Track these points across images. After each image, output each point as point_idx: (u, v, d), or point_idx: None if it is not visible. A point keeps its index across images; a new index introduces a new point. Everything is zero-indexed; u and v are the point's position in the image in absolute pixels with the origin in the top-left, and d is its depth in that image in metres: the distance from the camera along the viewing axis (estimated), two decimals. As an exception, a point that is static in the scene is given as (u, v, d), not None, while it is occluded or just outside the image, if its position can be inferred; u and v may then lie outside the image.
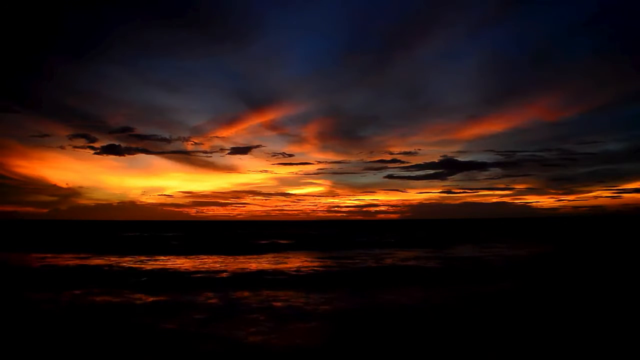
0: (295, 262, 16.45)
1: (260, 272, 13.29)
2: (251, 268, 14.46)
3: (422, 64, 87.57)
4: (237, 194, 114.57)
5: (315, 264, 15.84)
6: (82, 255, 18.56)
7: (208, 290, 10.10)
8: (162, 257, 18.53)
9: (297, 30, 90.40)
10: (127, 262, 16.60)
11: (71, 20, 75.45)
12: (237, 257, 18.98)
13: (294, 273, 13.12)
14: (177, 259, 18.05)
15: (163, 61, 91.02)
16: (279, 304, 8.51)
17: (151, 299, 9.19)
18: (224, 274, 12.86)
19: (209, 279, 12.05)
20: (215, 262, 16.56)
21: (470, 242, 28.54)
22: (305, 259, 18.06)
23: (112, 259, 17.67)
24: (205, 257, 18.86)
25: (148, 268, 14.71)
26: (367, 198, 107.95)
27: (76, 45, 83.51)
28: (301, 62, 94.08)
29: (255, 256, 19.34)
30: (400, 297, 9.11)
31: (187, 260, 17.50)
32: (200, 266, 15.24)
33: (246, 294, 9.69)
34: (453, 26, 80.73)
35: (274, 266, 15.09)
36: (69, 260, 16.99)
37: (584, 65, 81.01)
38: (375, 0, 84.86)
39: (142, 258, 18.20)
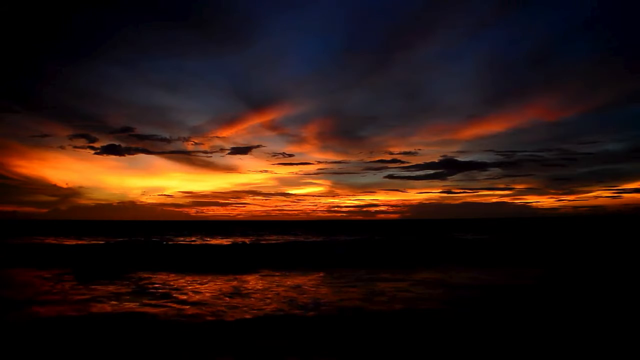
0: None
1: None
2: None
3: (422, 64, 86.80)
4: (237, 194, 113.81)
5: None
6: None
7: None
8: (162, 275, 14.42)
9: (297, 31, 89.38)
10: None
11: (72, 22, 74.18)
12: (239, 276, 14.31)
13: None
14: (175, 277, 13.75)
15: (164, 62, 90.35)
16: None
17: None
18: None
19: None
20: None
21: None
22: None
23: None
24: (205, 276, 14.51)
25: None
26: (367, 198, 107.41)
27: (77, 46, 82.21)
28: (301, 62, 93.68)
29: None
30: None
31: (184, 280, 13.20)
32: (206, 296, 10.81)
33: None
34: (453, 27, 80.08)
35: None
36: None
37: (582, 66, 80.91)
38: (375, 0, 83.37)
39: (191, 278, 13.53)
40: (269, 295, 10.68)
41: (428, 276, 14.10)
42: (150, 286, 12.25)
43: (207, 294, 10.96)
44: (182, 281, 13.36)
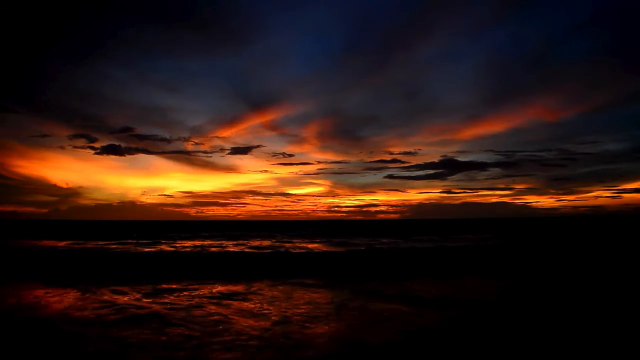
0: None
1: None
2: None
3: (422, 65, 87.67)
4: (237, 194, 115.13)
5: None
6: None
7: None
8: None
9: (297, 32, 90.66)
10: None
11: (73, 22, 75.34)
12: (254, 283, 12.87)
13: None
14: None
15: (164, 62, 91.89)
16: None
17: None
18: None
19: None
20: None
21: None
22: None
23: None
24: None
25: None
26: (367, 198, 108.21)
27: (78, 46, 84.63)
28: (301, 62, 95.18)
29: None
30: None
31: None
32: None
33: None
34: (452, 27, 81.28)
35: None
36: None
37: (582, 66, 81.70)
38: (375, 0, 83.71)
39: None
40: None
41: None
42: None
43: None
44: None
